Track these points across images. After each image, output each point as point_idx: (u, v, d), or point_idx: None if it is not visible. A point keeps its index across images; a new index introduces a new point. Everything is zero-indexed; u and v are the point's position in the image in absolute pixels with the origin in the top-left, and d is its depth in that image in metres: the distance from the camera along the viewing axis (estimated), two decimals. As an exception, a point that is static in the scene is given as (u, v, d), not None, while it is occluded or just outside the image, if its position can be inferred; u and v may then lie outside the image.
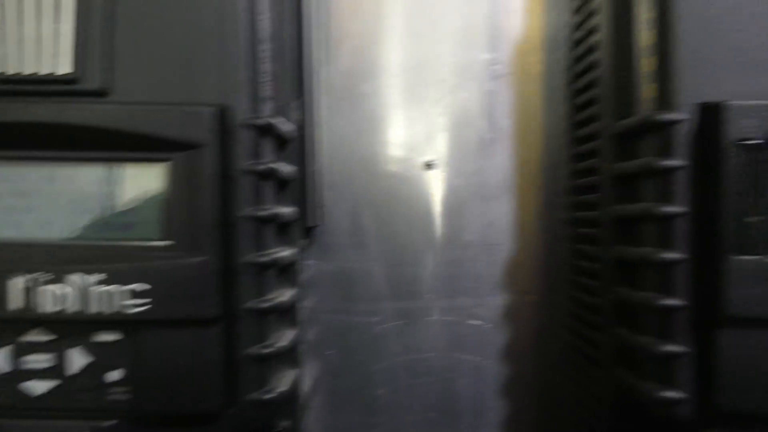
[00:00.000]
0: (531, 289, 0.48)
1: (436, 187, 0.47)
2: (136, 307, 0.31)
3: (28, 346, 0.33)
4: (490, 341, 0.48)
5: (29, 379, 0.33)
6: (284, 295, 0.36)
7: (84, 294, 0.31)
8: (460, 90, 0.47)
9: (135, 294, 0.31)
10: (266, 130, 0.33)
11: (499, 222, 0.47)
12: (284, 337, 0.36)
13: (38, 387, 0.33)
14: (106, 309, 0.32)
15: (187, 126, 0.32)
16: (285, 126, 0.36)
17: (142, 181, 0.32)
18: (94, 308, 0.31)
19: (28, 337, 0.33)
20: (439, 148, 0.47)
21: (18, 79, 0.32)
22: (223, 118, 0.32)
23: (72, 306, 0.31)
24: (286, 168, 0.36)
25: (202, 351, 0.33)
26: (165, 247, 0.32)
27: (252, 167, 0.33)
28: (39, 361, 0.33)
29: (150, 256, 0.32)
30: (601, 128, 0.38)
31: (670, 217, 0.32)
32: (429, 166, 0.47)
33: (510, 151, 0.47)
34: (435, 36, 0.47)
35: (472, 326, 0.48)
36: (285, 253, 0.36)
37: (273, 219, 0.34)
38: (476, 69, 0.47)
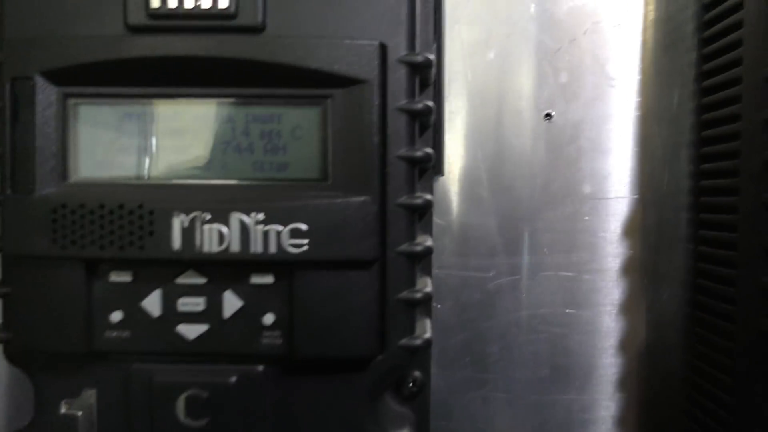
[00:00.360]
0: (649, 243, 0.46)
1: (552, 138, 0.46)
2: (295, 248, 0.31)
3: (183, 289, 0.32)
4: (606, 297, 0.47)
5: (183, 322, 0.32)
6: (428, 240, 0.35)
7: (244, 234, 0.31)
8: (577, 40, 0.46)
9: (295, 234, 0.31)
10: (423, 68, 0.32)
11: (618, 175, 0.46)
12: (426, 284, 0.35)
13: (192, 330, 0.32)
14: (265, 250, 0.31)
15: (351, 60, 0.31)
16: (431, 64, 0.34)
17: (299, 119, 0.31)
18: (253, 249, 0.31)
19: (183, 280, 0.32)
20: (556, 99, 0.46)
21: (177, 14, 0.31)
22: (383, 54, 0.31)
23: (232, 247, 0.31)
24: (428, 107, 0.34)
25: (358, 294, 0.32)
26: (324, 187, 0.31)
27: (410, 105, 0.32)
28: (193, 304, 0.32)
29: (309, 196, 0.31)
30: (745, 72, 0.37)
31: None
32: (547, 116, 0.46)
33: (629, 102, 0.46)
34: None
35: (587, 282, 0.47)
36: (429, 196, 0.35)
37: (427, 160, 0.33)
38: (593, 18, 0.46)
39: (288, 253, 0.31)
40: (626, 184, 0.46)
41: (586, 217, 0.47)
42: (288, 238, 0.31)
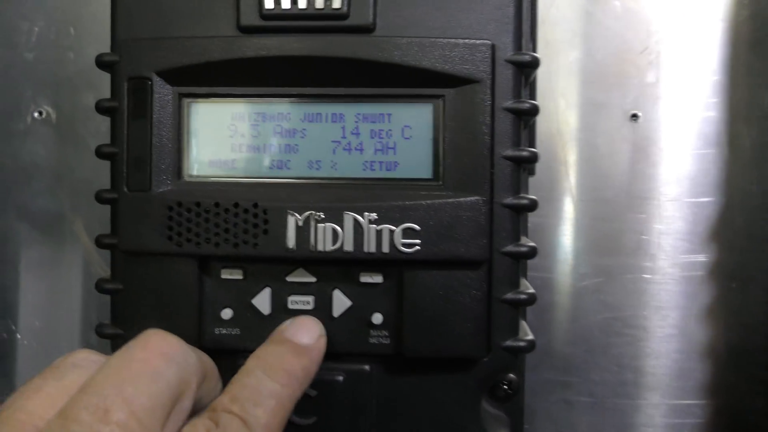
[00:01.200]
0: (736, 247, 0.46)
1: (637, 139, 0.46)
2: (407, 247, 0.31)
3: (293, 287, 0.32)
4: (692, 301, 0.46)
5: (291, 319, 0.32)
6: (527, 241, 0.35)
7: (357, 234, 0.31)
8: (666, 40, 0.45)
9: (407, 234, 0.31)
10: (529, 67, 0.32)
11: (704, 176, 0.45)
12: (527, 285, 0.35)
13: (301, 328, 0.32)
14: (378, 249, 0.31)
15: (465, 60, 0.31)
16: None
17: (410, 118, 0.32)
18: (366, 248, 0.31)
19: (294, 278, 0.32)
20: (641, 100, 0.45)
21: (290, 14, 0.31)
22: (493, 53, 0.31)
23: (345, 246, 0.31)
24: (532, 106, 0.34)
25: (466, 294, 0.32)
26: (435, 187, 0.32)
27: (517, 105, 0.32)
28: (303, 302, 0.32)
29: (420, 196, 0.31)
30: None
31: None
32: (633, 117, 0.45)
33: (717, 102, 0.45)
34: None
35: (672, 284, 0.46)
36: (530, 197, 0.34)
37: (533, 160, 0.33)
38: (683, 19, 0.45)
39: (400, 253, 0.31)
40: (712, 185, 0.46)
41: (671, 220, 0.46)
42: (400, 237, 0.31)
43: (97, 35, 0.48)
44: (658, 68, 0.46)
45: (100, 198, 0.33)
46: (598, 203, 0.46)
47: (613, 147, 0.46)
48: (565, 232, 0.47)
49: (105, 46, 0.48)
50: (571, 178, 0.46)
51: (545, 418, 0.47)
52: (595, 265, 0.47)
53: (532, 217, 0.44)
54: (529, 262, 0.44)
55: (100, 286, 0.34)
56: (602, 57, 0.46)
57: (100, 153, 0.33)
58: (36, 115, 0.48)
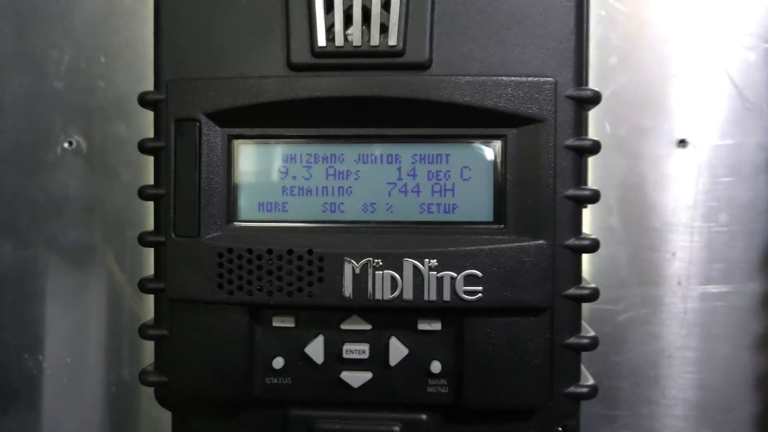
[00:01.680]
0: (791, 276, 0.44)
1: (687, 165, 0.44)
2: (469, 295, 0.29)
3: (348, 335, 0.31)
4: (745, 331, 0.45)
5: (347, 369, 0.31)
6: (588, 283, 0.33)
7: (417, 281, 0.29)
8: (713, 64, 0.44)
9: (469, 281, 0.29)
10: (591, 102, 0.31)
11: (758, 203, 0.44)
12: (587, 329, 0.34)
13: (356, 378, 0.31)
14: (438, 297, 0.29)
15: (527, 98, 0.29)
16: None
17: (468, 159, 0.30)
18: (426, 296, 0.29)
19: (348, 326, 0.31)
20: (691, 125, 0.44)
21: (344, 52, 0.30)
22: (555, 90, 0.30)
23: (405, 294, 0.29)
24: (593, 143, 0.33)
25: (528, 341, 0.30)
26: (496, 231, 0.30)
27: (579, 143, 0.30)
28: (358, 351, 0.31)
29: (482, 241, 0.30)
30: None
31: None
32: (682, 143, 0.44)
33: (765, 127, 0.44)
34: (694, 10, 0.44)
35: (724, 315, 0.45)
36: (590, 237, 0.33)
37: (595, 199, 0.31)
38: (732, 42, 0.44)
39: (462, 301, 0.29)
40: (765, 212, 0.44)
41: (721, 248, 0.45)
42: (462, 284, 0.29)
43: (128, 63, 0.47)
44: (707, 93, 0.44)
45: (143, 241, 0.32)
46: (646, 231, 0.45)
47: (661, 173, 0.45)
48: (611, 261, 0.45)
49: (137, 75, 0.47)
50: (615, 205, 0.45)
51: (594, 454, 0.46)
52: (642, 295, 0.45)
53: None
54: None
55: (144, 332, 0.33)
56: (651, 81, 0.45)
57: (143, 194, 0.32)
58: (66, 145, 0.47)
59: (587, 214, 0.43)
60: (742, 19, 0.44)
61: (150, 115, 0.45)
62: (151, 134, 0.46)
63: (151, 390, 0.46)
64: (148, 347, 0.48)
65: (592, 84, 0.42)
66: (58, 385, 0.49)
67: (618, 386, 0.46)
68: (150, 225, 0.43)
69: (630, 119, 0.45)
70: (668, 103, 0.45)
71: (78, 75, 0.47)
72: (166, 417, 0.36)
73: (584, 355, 0.45)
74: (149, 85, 0.43)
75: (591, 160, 0.43)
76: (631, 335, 0.46)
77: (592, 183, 0.43)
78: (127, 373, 0.48)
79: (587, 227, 0.43)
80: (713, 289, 0.45)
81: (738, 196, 0.45)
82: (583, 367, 0.34)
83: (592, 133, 0.43)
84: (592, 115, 0.43)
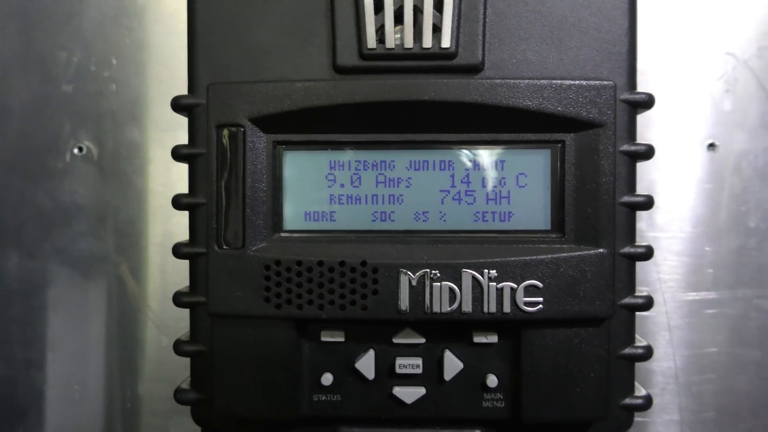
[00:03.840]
0: None
1: (716, 169, 0.44)
2: (530, 306, 0.28)
3: (400, 349, 0.30)
4: (773, 335, 0.44)
5: (399, 385, 0.30)
6: (645, 291, 0.32)
7: (476, 293, 0.28)
8: (744, 66, 0.43)
9: (529, 292, 0.28)
10: (646, 106, 0.30)
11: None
12: (639, 339, 0.33)
13: (409, 394, 0.30)
14: (498, 309, 0.28)
15: (586, 102, 0.28)
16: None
17: (524, 165, 0.29)
18: (486, 309, 0.28)
19: (400, 339, 0.30)
20: (719, 128, 0.44)
21: (394, 54, 0.28)
22: (612, 94, 0.29)
23: (463, 306, 0.28)
24: (647, 147, 0.32)
25: (587, 353, 0.29)
26: (555, 239, 0.29)
27: (635, 148, 0.29)
28: (411, 365, 0.30)
29: (540, 249, 0.29)
30: None
31: None
32: (711, 146, 0.43)
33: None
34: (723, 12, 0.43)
35: (755, 320, 0.44)
36: (646, 245, 0.32)
37: (650, 205, 0.30)
38: (759, 43, 0.43)
39: (523, 312, 0.28)
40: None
41: (753, 252, 0.45)
42: (522, 296, 0.28)
43: (141, 65, 0.45)
44: (735, 96, 0.44)
45: (179, 253, 0.30)
46: (672, 235, 0.44)
47: (689, 177, 0.44)
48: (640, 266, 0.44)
49: (151, 78, 0.45)
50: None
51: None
52: (678, 300, 0.45)
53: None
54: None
55: (180, 349, 0.31)
56: (678, 85, 0.44)
57: (179, 204, 0.30)
58: (76, 151, 0.45)
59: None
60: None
61: (166, 119, 0.43)
62: (166, 139, 0.44)
63: (162, 406, 0.45)
64: (163, 362, 0.47)
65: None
66: (68, 401, 0.47)
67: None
68: (166, 234, 0.42)
69: (657, 122, 0.44)
70: (695, 107, 0.44)
71: (88, 78, 0.46)
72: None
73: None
74: (164, 89, 0.41)
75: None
76: (659, 340, 0.45)
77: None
78: (142, 389, 0.47)
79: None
80: (742, 293, 0.45)
81: (767, 199, 0.44)
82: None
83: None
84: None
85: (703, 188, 0.44)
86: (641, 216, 0.43)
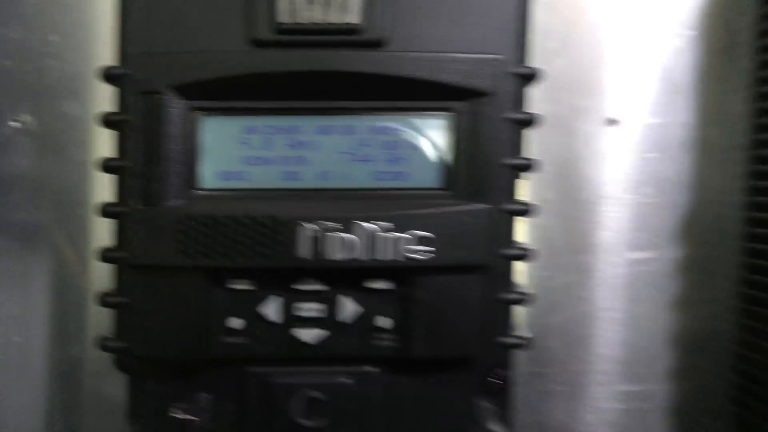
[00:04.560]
0: (705, 241, 0.49)
1: (616, 142, 0.48)
2: (419, 254, 0.32)
3: (303, 295, 0.33)
4: (663, 293, 0.49)
5: (302, 327, 0.33)
6: (527, 244, 0.36)
7: (369, 243, 0.32)
8: (642, 48, 0.48)
9: (418, 242, 0.32)
10: (531, 79, 0.34)
11: (678, 177, 0.48)
12: (524, 286, 0.37)
13: (310, 335, 0.33)
14: (388, 257, 0.32)
15: (475, 74, 0.32)
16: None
17: (420, 130, 0.33)
18: (378, 256, 0.32)
19: (303, 286, 0.33)
20: (622, 105, 0.48)
21: (304, 29, 0.32)
22: (499, 66, 0.33)
23: (357, 254, 0.32)
24: (532, 116, 0.36)
25: (469, 297, 0.33)
26: (444, 195, 0.33)
27: (520, 115, 0.33)
28: (312, 309, 0.33)
29: (431, 204, 0.32)
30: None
31: None
32: (611, 122, 0.48)
33: (689, 108, 0.48)
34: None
35: (647, 277, 0.49)
36: (529, 202, 0.36)
37: (530, 167, 0.34)
38: (658, 27, 0.48)
39: (412, 260, 0.32)
40: (686, 186, 0.48)
41: (646, 218, 0.49)
42: (413, 244, 0.32)
43: (80, 42, 0.47)
44: (637, 76, 0.48)
45: (106, 212, 0.33)
46: (578, 204, 0.49)
47: (595, 150, 0.48)
48: (546, 232, 0.49)
49: (89, 54, 0.48)
50: (553, 179, 0.48)
51: (525, 408, 0.49)
52: (574, 262, 0.49)
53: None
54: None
55: (104, 300, 0.34)
56: (587, 65, 0.48)
57: (107, 167, 0.33)
58: (14, 124, 0.47)
59: (528, 187, 0.46)
60: (671, 9, 0.48)
61: (104, 93, 0.45)
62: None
63: (98, 367, 0.47)
64: (97, 324, 0.49)
65: (537, 64, 0.45)
66: (7, 366, 0.49)
67: (551, 346, 0.50)
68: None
69: (567, 100, 0.48)
70: (601, 86, 0.48)
71: (27, 54, 0.48)
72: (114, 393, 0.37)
73: (522, 317, 0.48)
74: (103, 64, 0.44)
75: (532, 138, 0.47)
76: (562, 299, 0.50)
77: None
78: (75, 351, 0.49)
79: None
80: (636, 255, 0.49)
81: (662, 170, 0.49)
82: (519, 324, 0.37)
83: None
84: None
85: (603, 159, 0.49)
86: (550, 184, 0.48)
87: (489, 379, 0.38)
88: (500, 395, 0.38)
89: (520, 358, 0.49)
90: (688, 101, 0.49)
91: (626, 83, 0.49)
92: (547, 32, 0.47)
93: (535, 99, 0.46)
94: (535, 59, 0.45)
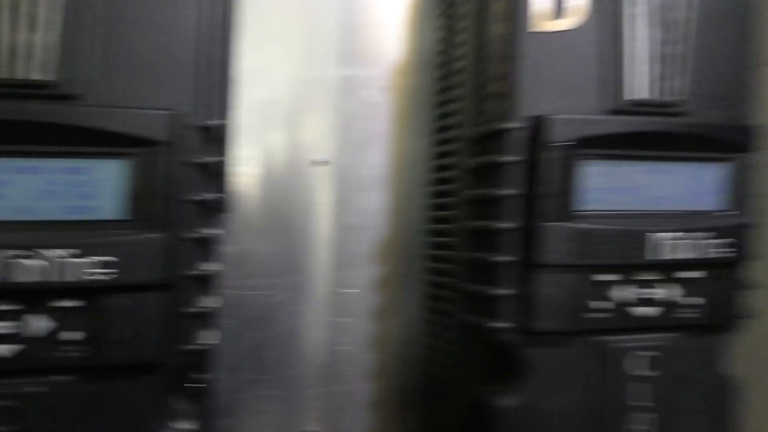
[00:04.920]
0: (397, 261, 0.59)
1: (324, 181, 0.57)
2: (101, 275, 0.38)
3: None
4: (366, 306, 0.59)
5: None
6: (211, 266, 0.44)
7: (60, 267, 0.37)
8: (345, 100, 0.57)
9: (103, 265, 0.38)
10: (212, 129, 0.41)
11: (380, 207, 0.58)
12: (209, 302, 0.44)
13: (7, 350, 0.38)
14: (76, 279, 0.38)
15: (148, 125, 0.39)
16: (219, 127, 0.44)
17: (106, 171, 0.39)
18: (66, 278, 0.38)
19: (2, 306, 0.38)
20: (326, 149, 0.57)
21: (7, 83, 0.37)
22: (174, 120, 0.40)
23: (48, 277, 0.37)
24: (216, 161, 0.43)
25: (153, 311, 0.40)
26: (128, 226, 0.39)
27: (200, 160, 0.41)
28: (9, 327, 0.38)
29: (114, 233, 0.39)
30: (460, 134, 0.51)
31: (505, 198, 0.46)
32: (316, 163, 0.57)
33: (385, 150, 0.58)
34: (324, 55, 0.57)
35: (351, 295, 0.58)
36: (213, 231, 0.44)
37: (216, 202, 0.42)
38: (359, 83, 0.58)
39: (99, 281, 0.38)
40: (384, 214, 0.58)
41: (353, 244, 0.58)
42: (97, 267, 0.38)
43: None
44: (345, 123, 0.57)
45: None
46: (290, 233, 0.57)
47: (305, 187, 0.57)
48: (264, 257, 0.56)
49: None
50: (266, 213, 0.56)
51: (244, 412, 0.56)
52: (288, 282, 0.57)
53: (236, 244, 0.53)
54: (234, 281, 0.53)
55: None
56: (299, 113, 0.56)
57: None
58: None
59: (241, 218, 0.54)
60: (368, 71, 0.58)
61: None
62: None
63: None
64: None
65: (251, 113, 0.53)
66: None
67: (267, 355, 0.57)
68: None
69: (281, 143, 0.56)
70: (313, 131, 0.57)
71: None
72: None
73: (239, 329, 0.55)
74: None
75: (249, 177, 0.54)
76: (278, 314, 0.57)
77: (249, 195, 0.54)
78: None
79: (241, 230, 0.53)
80: (342, 274, 0.58)
81: (366, 202, 0.58)
82: (211, 334, 0.44)
83: (250, 153, 0.54)
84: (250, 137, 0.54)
85: (313, 195, 0.57)
86: (266, 216, 0.55)
87: (187, 384, 0.44)
88: (200, 397, 0.45)
89: (243, 366, 0.57)
90: (382, 145, 0.59)
91: (338, 129, 0.58)
92: (260, 85, 0.55)
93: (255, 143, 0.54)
94: (251, 108, 0.53)
